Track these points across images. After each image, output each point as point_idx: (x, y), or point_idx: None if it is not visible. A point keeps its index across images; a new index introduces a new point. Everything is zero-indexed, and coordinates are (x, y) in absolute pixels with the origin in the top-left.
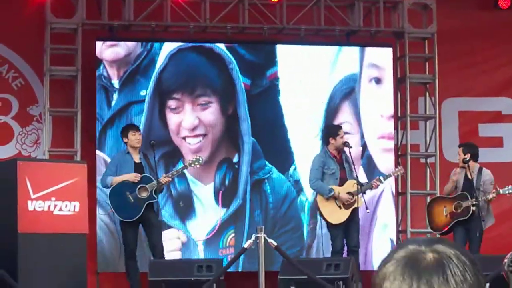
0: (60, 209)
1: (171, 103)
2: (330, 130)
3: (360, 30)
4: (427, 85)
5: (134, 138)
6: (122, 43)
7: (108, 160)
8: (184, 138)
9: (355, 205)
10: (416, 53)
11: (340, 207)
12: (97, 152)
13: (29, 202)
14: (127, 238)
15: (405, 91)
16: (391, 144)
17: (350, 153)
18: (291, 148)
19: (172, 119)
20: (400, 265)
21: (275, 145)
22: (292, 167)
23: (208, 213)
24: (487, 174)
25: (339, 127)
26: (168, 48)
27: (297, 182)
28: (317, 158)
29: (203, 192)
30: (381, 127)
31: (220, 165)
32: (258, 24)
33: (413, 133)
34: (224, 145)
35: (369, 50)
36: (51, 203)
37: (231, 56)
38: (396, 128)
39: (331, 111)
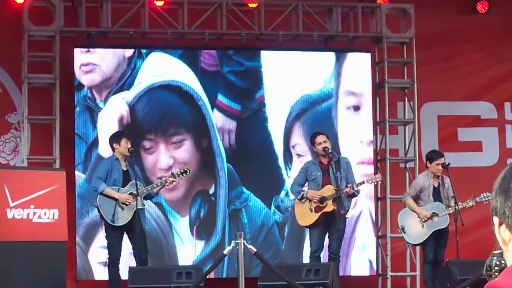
0: (39, 217)
1: (145, 144)
2: (310, 139)
3: (338, 35)
4: (406, 90)
5: (127, 146)
6: (97, 67)
7: None
8: (160, 178)
9: (325, 210)
10: (395, 58)
11: (311, 210)
12: (78, 173)
13: (8, 210)
14: (112, 245)
15: (383, 96)
16: (370, 169)
17: (342, 159)
18: (282, 174)
19: (148, 159)
20: None
21: (264, 170)
22: (283, 192)
23: (186, 246)
24: (448, 180)
25: (316, 134)
26: (137, 89)
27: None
28: (303, 165)
29: (181, 225)
30: (361, 152)
31: (194, 197)
32: (236, 30)
33: (392, 137)
34: (201, 176)
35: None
36: (30, 211)
37: (199, 93)
38: (375, 133)
39: (287, 132)
